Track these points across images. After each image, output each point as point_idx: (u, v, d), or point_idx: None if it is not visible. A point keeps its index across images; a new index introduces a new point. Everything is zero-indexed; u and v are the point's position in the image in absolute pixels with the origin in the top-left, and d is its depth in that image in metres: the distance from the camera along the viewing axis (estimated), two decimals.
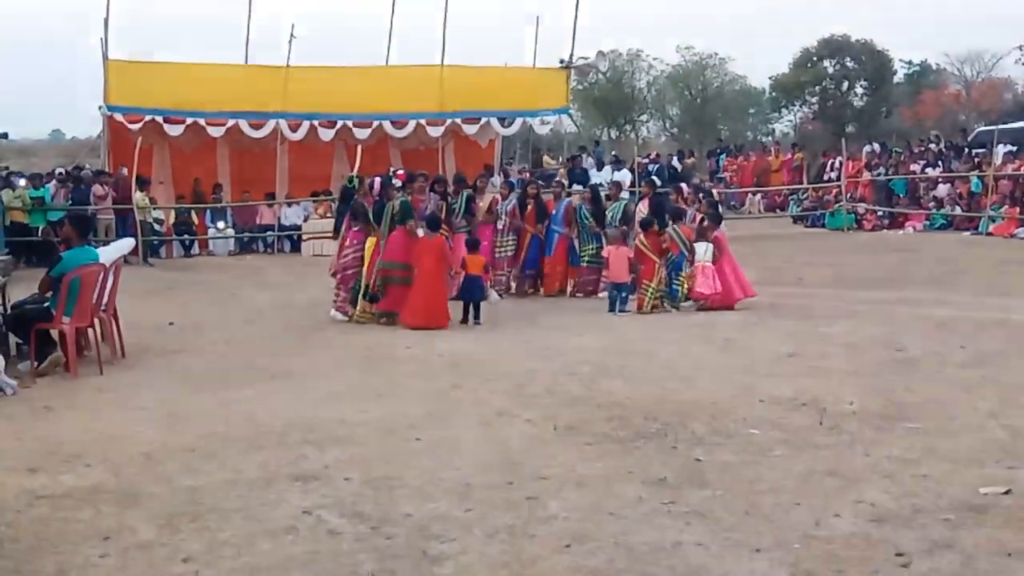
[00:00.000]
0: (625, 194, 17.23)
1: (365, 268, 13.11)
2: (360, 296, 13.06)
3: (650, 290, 13.73)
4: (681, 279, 13.82)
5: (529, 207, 15.91)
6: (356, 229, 13.43)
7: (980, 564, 4.93)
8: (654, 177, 20.58)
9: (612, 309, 13.76)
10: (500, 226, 15.70)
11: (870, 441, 7.13)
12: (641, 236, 14.06)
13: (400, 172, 14.43)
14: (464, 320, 12.75)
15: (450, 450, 7.05)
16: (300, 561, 5.10)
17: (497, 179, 22.41)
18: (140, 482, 6.40)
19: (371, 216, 13.19)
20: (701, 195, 16.11)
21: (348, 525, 5.59)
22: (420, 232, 12.85)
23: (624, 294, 13.84)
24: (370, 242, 13.19)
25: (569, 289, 15.93)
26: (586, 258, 15.79)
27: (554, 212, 16.03)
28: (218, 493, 6.16)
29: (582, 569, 4.95)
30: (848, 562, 4.99)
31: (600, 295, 15.17)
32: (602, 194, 16.46)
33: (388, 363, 10.44)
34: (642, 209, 16.05)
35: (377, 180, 13.69)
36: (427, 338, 11.80)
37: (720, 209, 17.56)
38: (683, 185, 17.18)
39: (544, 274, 16.00)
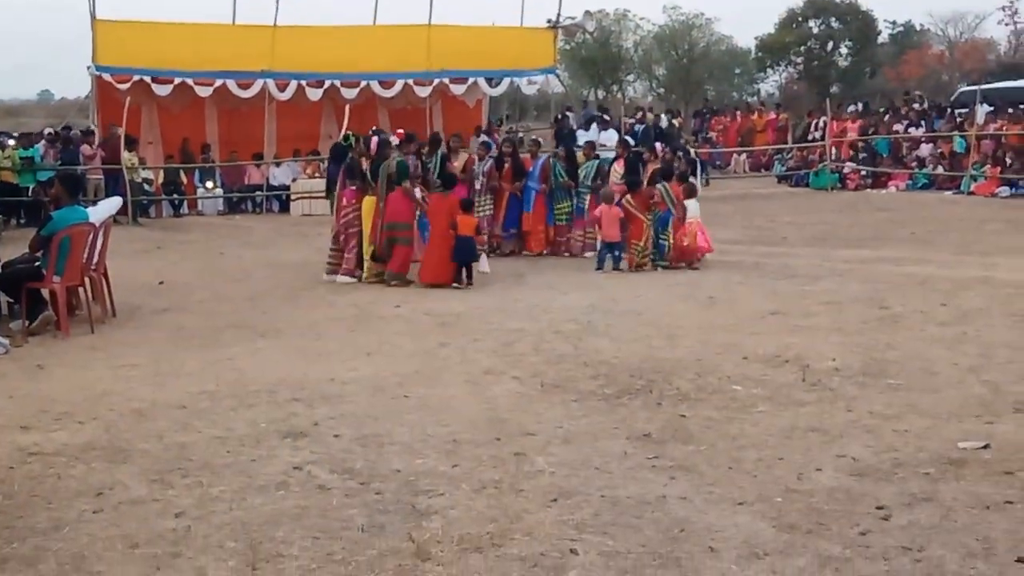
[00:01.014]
0: (610, 155, 17.23)
1: (368, 229, 13.05)
2: (368, 257, 13.04)
3: (638, 248, 13.81)
4: (667, 234, 13.91)
5: (506, 166, 15.91)
6: (352, 188, 13.34)
7: (959, 517, 5.03)
8: (627, 137, 20.53)
9: (600, 267, 13.83)
10: (477, 187, 15.57)
11: (852, 397, 7.24)
12: (628, 196, 14.11)
13: (399, 131, 14.30)
14: (457, 281, 12.68)
15: (438, 407, 7.14)
16: (291, 515, 5.18)
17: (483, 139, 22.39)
18: (131, 439, 6.47)
19: (368, 175, 13.12)
20: (680, 154, 16.19)
21: (338, 480, 5.68)
22: (418, 192, 12.84)
23: (617, 253, 13.91)
24: (367, 201, 13.12)
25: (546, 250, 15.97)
26: (562, 217, 15.83)
27: (531, 170, 15.96)
28: (209, 449, 6.24)
29: (568, 523, 5.04)
30: (829, 515, 5.08)
31: (587, 254, 15.28)
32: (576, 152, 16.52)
33: (377, 322, 10.51)
34: (617, 168, 16.10)
35: (375, 139, 13.55)
36: (415, 297, 11.87)
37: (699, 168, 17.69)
38: (657, 144, 17.27)
39: (525, 232, 16.02)
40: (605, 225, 13.99)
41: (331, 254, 13.52)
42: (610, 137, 25.68)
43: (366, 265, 13.11)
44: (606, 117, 28.34)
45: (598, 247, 14.47)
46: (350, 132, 14.04)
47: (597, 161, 16.21)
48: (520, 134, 24.59)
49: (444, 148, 15.33)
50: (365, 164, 13.27)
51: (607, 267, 13.83)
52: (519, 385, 7.76)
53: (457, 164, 15.39)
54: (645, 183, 14.61)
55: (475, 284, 12.74)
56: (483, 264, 13.30)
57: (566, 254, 15.70)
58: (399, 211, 12.91)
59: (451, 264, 12.67)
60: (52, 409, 7.20)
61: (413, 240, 13.04)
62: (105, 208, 11.67)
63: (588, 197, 15.69)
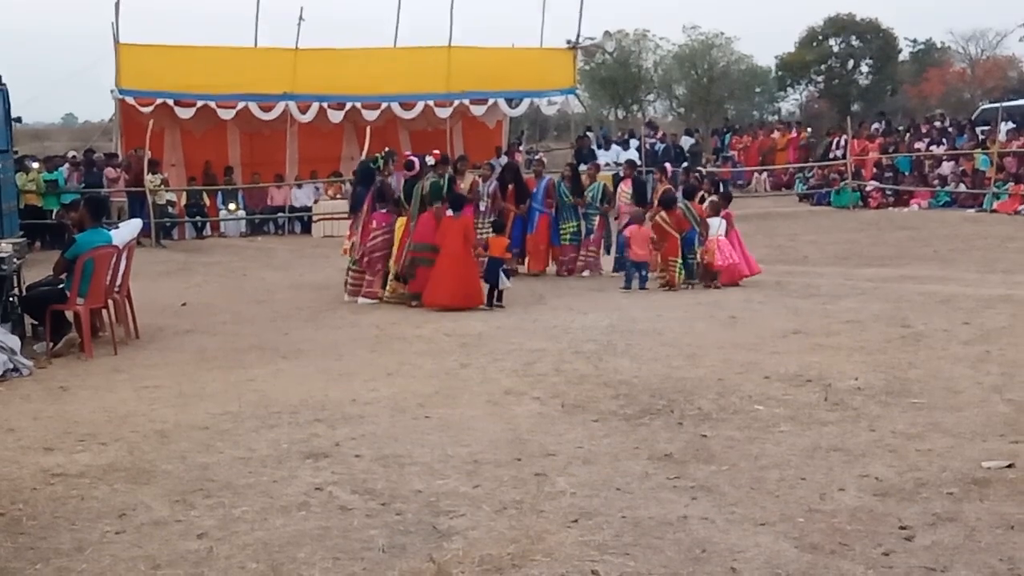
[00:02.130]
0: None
1: (395, 250, 13.01)
2: (392, 277, 13.01)
3: (677, 265, 13.85)
4: (695, 253, 13.95)
5: (510, 188, 15.85)
6: (384, 211, 13.24)
7: (983, 537, 4.99)
8: (633, 158, 20.59)
9: (627, 286, 13.85)
10: (483, 208, 15.43)
11: (874, 416, 7.21)
12: (663, 213, 14.12)
13: (435, 152, 14.28)
14: (488, 304, 12.59)
15: (459, 428, 7.14)
16: (312, 536, 5.18)
17: (503, 160, 22.44)
18: (154, 460, 6.50)
19: (401, 196, 13.08)
20: (696, 173, 16.30)
21: (359, 501, 5.68)
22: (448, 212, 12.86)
23: (643, 272, 13.94)
24: (399, 223, 13.09)
25: (555, 268, 15.94)
26: (567, 237, 15.82)
27: (535, 191, 15.95)
28: (231, 470, 6.25)
29: (590, 543, 5.03)
30: (852, 535, 5.05)
31: (585, 274, 15.37)
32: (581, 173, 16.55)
33: (398, 342, 10.53)
34: (624, 189, 16.17)
35: (416, 159, 13.52)
36: (436, 318, 11.89)
37: (721, 188, 17.79)
38: (667, 165, 17.41)
39: (527, 252, 16.01)
40: (635, 244, 14.04)
41: (353, 275, 13.44)
42: (630, 156, 25.77)
43: (389, 285, 13.10)
44: (626, 137, 28.37)
45: (600, 265, 14.53)
46: (379, 154, 13.99)
47: (603, 182, 16.31)
48: (539, 154, 24.62)
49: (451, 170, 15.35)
50: (394, 183, 13.28)
51: (634, 286, 13.84)
52: (540, 405, 7.75)
53: (463, 185, 15.36)
54: (656, 202, 14.73)
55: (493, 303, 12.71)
56: (503, 281, 13.22)
57: (564, 273, 15.65)
58: (427, 232, 12.84)
59: (470, 286, 12.57)
60: (75, 430, 7.23)
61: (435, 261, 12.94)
62: (128, 230, 11.75)
63: (596, 218, 15.74)
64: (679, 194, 14.71)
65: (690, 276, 13.96)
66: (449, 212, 12.79)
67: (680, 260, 13.91)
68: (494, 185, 15.73)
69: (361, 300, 13.13)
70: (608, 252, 16.16)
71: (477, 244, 13.06)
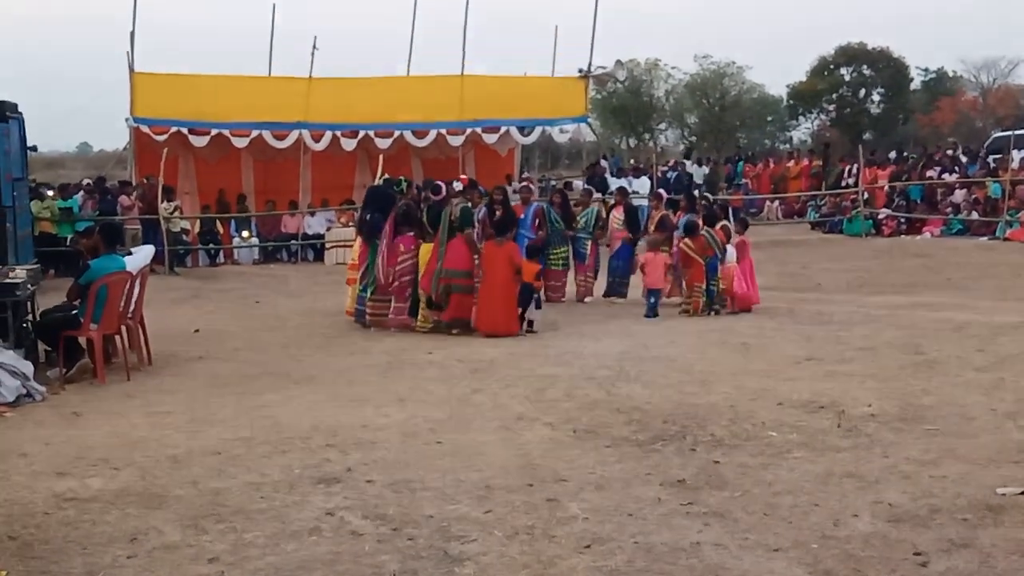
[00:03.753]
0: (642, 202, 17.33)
1: (421, 276, 12.89)
2: (424, 305, 12.89)
3: (701, 291, 13.86)
4: (716, 280, 13.96)
5: (498, 213, 15.76)
6: (410, 235, 13.10)
7: (998, 563, 4.97)
8: (622, 185, 20.58)
9: (650, 314, 13.84)
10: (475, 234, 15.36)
11: (888, 443, 7.17)
12: (687, 240, 14.14)
13: (463, 177, 14.19)
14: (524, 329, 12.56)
15: (471, 453, 7.13)
16: (324, 561, 5.17)
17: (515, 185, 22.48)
18: (166, 485, 6.50)
19: (426, 221, 12.98)
20: (704, 202, 16.39)
21: (371, 526, 5.67)
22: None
23: (652, 300, 13.94)
24: (424, 248, 12.97)
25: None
26: (559, 263, 15.78)
27: (522, 217, 15.77)
28: (243, 495, 6.25)
29: (602, 569, 5.01)
30: (866, 562, 5.03)
31: (587, 299, 15.55)
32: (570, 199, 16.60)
33: (409, 368, 10.53)
34: (616, 216, 16.20)
35: (443, 184, 13.48)
36: (448, 344, 11.89)
37: (731, 215, 17.86)
38: (661, 191, 17.58)
39: None
40: (650, 271, 14.05)
41: (373, 304, 13.21)
42: (643, 184, 25.85)
43: (421, 313, 12.96)
44: (640, 166, 28.45)
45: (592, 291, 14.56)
46: (402, 177, 13.87)
47: (596, 208, 16.33)
48: (553, 182, 24.68)
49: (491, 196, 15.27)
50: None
51: (649, 312, 13.85)
52: (552, 431, 7.74)
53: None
54: (652, 229, 14.92)
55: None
56: (530, 309, 13.01)
57: (550, 298, 15.47)
58: (459, 258, 12.76)
59: (512, 313, 12.56)
60: (88, 455, 7.24)
61: (472, 288, 12.74)
62: (141, 257, 11.80)
63: (589, 243, 15.77)
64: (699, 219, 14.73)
65: (712, 302, 13.94)
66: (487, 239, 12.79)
67: (704, 286, 13.91)
68: (483, 212, 15.52)
69: (393, 329, 12.93)
70: (595, 277, 16.18)
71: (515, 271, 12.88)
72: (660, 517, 5.74)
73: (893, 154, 31.99)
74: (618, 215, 16.25)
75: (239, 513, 5.92)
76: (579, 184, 24.56)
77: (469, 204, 13.28)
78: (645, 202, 17.83)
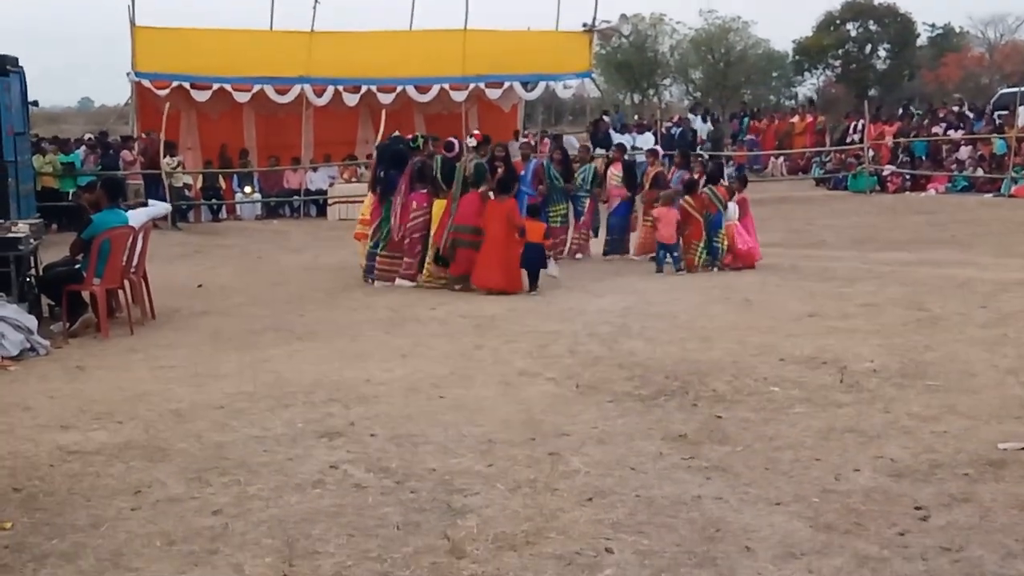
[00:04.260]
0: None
1: (433, 232, 12.83)
2: (430, 260, 12.85)
3: (700, 249, 13.84)
4: (720, 236, 13.93)
5: (499, 171, 15.68)
6: (423, 192, 13.00)
7: (997, 518, 4.99)
8: (622, 141, 20.54)
9: (660, 270, 13.83)
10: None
11: (890, 398, 7.19)
12: (687, 197, 14.09)
13: (476, 133, 14.07)
14: (530, 288, 12.44)
15: (473, 408, 7.15)
16: (327, 513, 5.20)
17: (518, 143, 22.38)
18: (170, 438, 6.53)
19: (439, 177, 12.90)
20: (699, 159, 16.34)
21: (374, 479, 5.70)
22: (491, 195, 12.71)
23: (675, 254, 13.91)
24: (437, 204, 12.90)
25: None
26: (558, 219, 15.72)
27: (522, 174, 15.72)
28: (246, 449, 6.28)
29: (603, 522, 5.04)
30: (867, 515, 5.05)
31: (578, 256, 15.46)
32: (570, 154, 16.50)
33: (412, 324, 10.54)
34: (615, 172, 16.14)
35: (455, 141, 13.38)
36: (451, 299, 11.89)
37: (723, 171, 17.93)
38: (657, 148, 17.57)
39: None
40: (662, 226, 14.01)
41: (383, 260, 13.19)
42: (646, 140, 25.76)
43: (425, 268, 12.93)
44: (644, 122, 28.34)
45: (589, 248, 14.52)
46: (419, 133, 13.72)
47: (593, 165, 16.25)
48: (527, 137, 24.58)
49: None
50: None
51: (667, 270, 13.82)
52: (554, 386, 7.76)
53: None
54: (647, 186, 15.14)
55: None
56: (551, 268, 12.94)
57: (550, 255, 15.42)
58: (471, 214, 12.66)
59: (513, 272, 12.49)
60: (92, 409, 7.28)
61: (479, 244, 12.57)
62: (147, 212, 11.78)
63: (587, 201, 15.72)
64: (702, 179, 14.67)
65: (715, 258, 13.91)
66: (491, 195, 12.72)
67: (703, 243, 13.88)
68: None
69: (399, 282, 12.94)
70: (596, 235, 16.15)
71: (514, 229, 12.82)
72: (661, 471, 5.77)
73: (899, 110, 31.83)
74: (616, 172, 16.18)
75: (242, 466, 5.95)
76: (571, 140, 24.48)
77: (483, 161, 13.20)
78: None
